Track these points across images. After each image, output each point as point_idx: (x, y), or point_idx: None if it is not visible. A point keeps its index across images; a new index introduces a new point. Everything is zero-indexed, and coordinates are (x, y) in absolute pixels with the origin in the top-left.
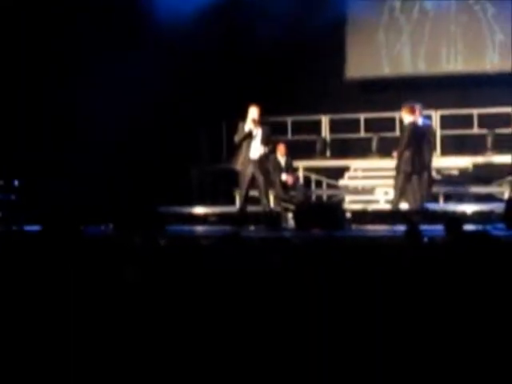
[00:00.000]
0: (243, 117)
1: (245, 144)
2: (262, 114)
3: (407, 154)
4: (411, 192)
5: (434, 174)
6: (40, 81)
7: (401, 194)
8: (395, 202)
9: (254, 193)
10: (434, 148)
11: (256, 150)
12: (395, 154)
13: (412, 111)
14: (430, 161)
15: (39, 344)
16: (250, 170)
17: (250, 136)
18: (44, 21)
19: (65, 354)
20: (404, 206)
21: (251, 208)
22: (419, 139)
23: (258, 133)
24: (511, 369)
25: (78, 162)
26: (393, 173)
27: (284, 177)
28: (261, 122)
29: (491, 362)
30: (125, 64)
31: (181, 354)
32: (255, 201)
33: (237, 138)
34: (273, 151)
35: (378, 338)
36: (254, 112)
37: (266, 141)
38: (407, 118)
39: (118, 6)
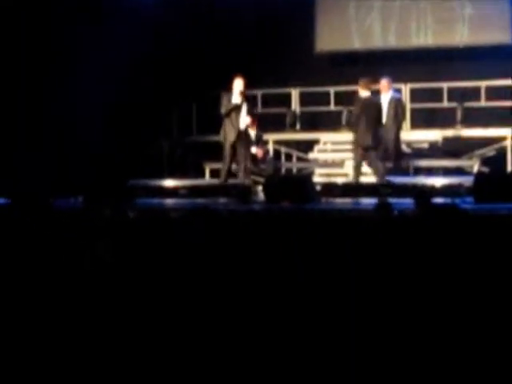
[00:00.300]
0: (212, 91)
1: (233, 116)
2: (247, 85)
3: (362, 128)
4: (373, 165)
5: (403, 147)
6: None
7: (357, 167)
8: (354, 176)
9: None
10: (404, 121)
11: (243, 121)
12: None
13: (367, 86)
14: (397, 134)
15: (8, 319)
16: (234, 142)
17: (237, 108)
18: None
19: (34, 330)
20: (371, 179)
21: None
22: (375, 113)
23: (243, 105)
24: (483, 343)
25: (48, 135)
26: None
27: (254, 150)
28: (246, 93)
29: (460, 330)
30: (98, 42)
31: (151, 327)
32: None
33: (223, 110)
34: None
35: (352, 312)
36: (239, 84)
37: (250, 113)
38: (363, 92)
39: None
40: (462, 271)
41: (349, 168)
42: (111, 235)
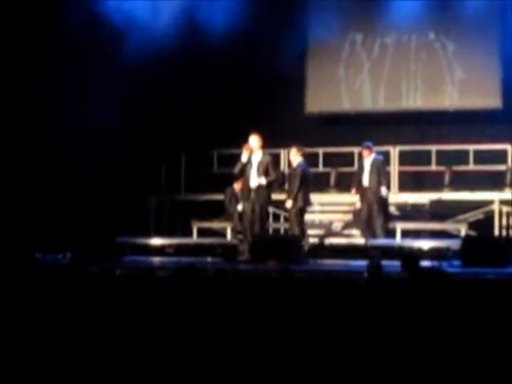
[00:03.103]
0: (203, 148)
1: (245, 174)
2: (262, 141)
3: (300, 193)
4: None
5: (390, 209)
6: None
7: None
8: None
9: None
10: (389, 183)
11: (254, 179)
12: (289, 203)
13: (301, 152)
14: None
15: None
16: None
17: (245, 166)
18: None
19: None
20: (360, 240)
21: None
22: (308, 178)
23: (254, 161)
24: None
25: (37, 189)
26: (350, 208)
27: (240, 208)
28: (262, 148)
29: None
30: (85, 97)
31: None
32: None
33: (236, 169)
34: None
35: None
36: (250, 140)
37: (263, 170)
38: (297, 158)
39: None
40: (446, 334)
41: (337, 229)
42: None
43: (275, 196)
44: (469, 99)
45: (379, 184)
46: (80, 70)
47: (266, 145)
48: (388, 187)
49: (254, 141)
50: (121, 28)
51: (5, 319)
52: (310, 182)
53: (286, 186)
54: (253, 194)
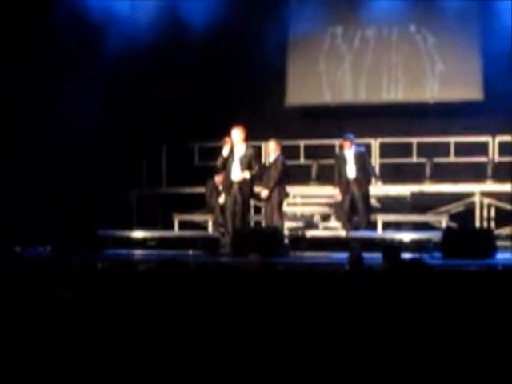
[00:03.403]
0: (184, 141)
1: (226, 166)
2: (245, 134)
3: (279, 186)
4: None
5: (372, 201)
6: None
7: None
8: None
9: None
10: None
11: (236, 172)
12: (265, 193)
13: (280, 145)
14: (367, 187)
15: None
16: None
17: (226, 159)
18: None
19: None
20: (341, 232)
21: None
22: (287, 171)
23: (237, 154)
24: None
25: (17, 183)
26: (331, 200)
27: (221, 201)
28: (245, 141)
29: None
30: (66, 90)
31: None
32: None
33: (218, 163)
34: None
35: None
36: (232, 133)
37: (246, 163)
38: (276, 152)
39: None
40: (428, 326)
41: (318, 221)
42: (77, 285)
43: (256, 189)
44: (450, 91)
45: (366, 176)
46: (62, 65)
47: (247, 137)
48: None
49: (237, 134)
50: (101, 23)
51: None
52: (288, 176)
53: (264, 177)
54: (235, 187)
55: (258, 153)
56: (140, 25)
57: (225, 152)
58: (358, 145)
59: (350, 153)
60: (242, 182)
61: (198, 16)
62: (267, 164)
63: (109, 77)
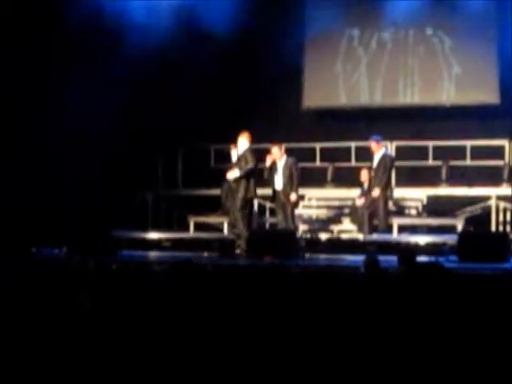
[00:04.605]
0: (200, 143)
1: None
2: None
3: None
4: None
5: (389, 204)
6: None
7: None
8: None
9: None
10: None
11: (232, 173)
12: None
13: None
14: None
15: None
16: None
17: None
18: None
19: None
20: (357, 235)
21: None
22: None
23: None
24: None
25: (32, 183)
26: (348, 202)
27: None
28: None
29: None
30: (83, 90)
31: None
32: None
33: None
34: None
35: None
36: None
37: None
38: (283, 155)
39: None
40: (444, 329)
41: (334, 224)
42: (93, 286)
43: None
44: (466, 94)
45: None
46: (79, 67)
47: (262, 140)
48: (384, 187)
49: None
50: (118, 25)
51: (3, 316)
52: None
53: (280, 180)
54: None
55: None
56: (156, 27)
57: (233, 156)
58: (387, 148)
59: (377, 155)
60: (237, 181)
61: (214, 18)
62: (281, 169)
63: (126, 78)
